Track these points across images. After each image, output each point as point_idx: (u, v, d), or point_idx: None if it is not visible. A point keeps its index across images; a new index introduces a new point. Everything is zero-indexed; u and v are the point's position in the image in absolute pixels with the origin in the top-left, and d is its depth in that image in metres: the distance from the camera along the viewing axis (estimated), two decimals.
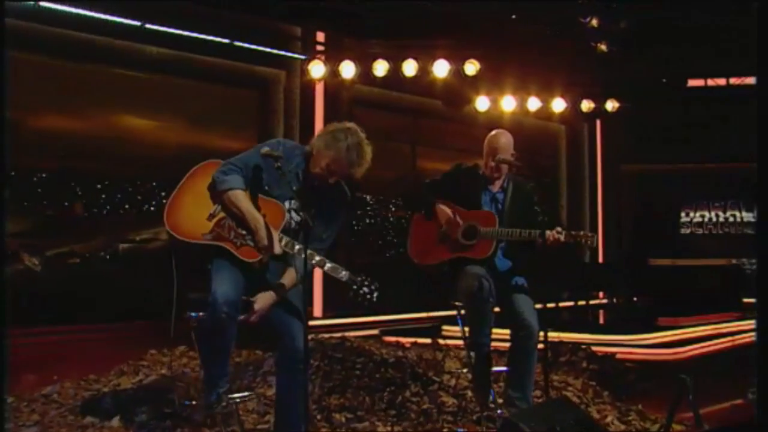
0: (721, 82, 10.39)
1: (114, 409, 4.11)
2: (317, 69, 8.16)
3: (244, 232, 3.30)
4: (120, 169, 7.71)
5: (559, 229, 3.84)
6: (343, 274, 3.18)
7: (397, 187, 10.50)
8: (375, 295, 3.17)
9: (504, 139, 4.08)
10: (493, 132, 4.16)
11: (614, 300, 9.12)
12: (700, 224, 12.59)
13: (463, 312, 4.07)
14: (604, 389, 4.54)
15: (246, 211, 3.28)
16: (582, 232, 3.88)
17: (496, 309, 3.94)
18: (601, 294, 10.76)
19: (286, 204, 3.36)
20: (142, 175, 7.82)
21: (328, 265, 3.20)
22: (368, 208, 10.23)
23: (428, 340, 6.22)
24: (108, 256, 7.63)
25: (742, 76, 10.17)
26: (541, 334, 3.73)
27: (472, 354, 4.00)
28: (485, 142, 4.13)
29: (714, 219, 12.52)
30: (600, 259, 12.34)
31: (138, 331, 6.99)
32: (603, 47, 8.74)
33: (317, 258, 3.21)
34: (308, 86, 8.63)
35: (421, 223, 4.17)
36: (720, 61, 9.87)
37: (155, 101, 7.93)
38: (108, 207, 7.66)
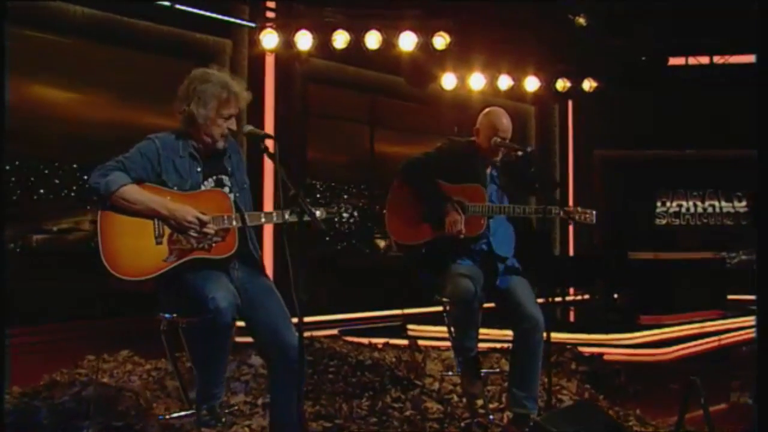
0: (704, 60, 10.73)
1: (52, 425, 4.04)
2: (270, 39, 8.11)
3: (200, 235, 3.30)
4: (34, 149, 7.54)
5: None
6: (320, 212, 3.39)
7: (351, 172, 10.58)
8: (356, 212, 3.36)
9: (506, 121, 4.18)
10: (491, 109, 4.24)
11: (595, 296, 9.37)
12: (677, 214, 12.99)
13: (449, 308, 4.19)
14: (599, 392, 4.71)
15: (149, 200, 3.26)
16: (579, 209, 4.01)
17: (491, 305, 4.06)
18: (571, 290, 11.02)
19: (208, 184, 3.41)
20: (60, 155, 7.66)
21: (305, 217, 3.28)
22: (318, 195, 10.26)
23: (405, 341, 6.34)
24: (19, 249, 7.45)
25: (726, 54, 10.52)
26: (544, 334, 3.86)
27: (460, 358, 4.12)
28: (483, 118, 4.21)
29: (692, 209, 12.94)
30: (570, 252, 12.64)
31: (65, 334, 6.88)
32: (581, 20, 8.93)
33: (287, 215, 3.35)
34: (257, 59, 8.59)
35: (402, 195, 4.21)
36: (703, 38, 10.19)
37: (79, 71, 7.76)
38: (19, 192, 7.49)
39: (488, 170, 4.25)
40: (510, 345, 5.57)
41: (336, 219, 3.52)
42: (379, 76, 9.85)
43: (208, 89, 3.37)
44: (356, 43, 8.22)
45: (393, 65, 9.13)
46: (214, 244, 3.31)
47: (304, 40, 8.14)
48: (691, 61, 10.85)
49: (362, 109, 10.35)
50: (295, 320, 3.34)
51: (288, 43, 8.20)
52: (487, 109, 4.24)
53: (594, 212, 4.04)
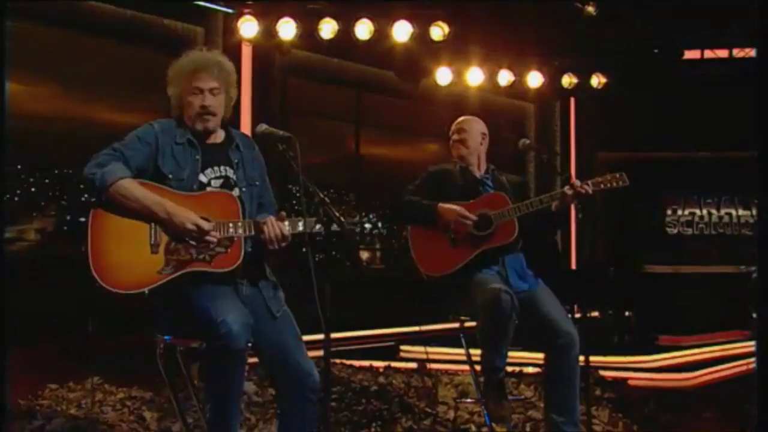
0: (722, 53, 10.86)
1: None
2: (249, 27, 8.11)
3: (202, 244, 3.30)
4: None
5: (578, 182, 4.09)
6: (341, 221, 3.31)
7: (333, 175, 10.57)
8: (379, 224, 3.41)
9: (470, 124, 4.61)
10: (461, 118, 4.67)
11: (606, 313, 9.45)
12: (689, 223, 13.12)
13: (466, 325, 4.28)
14: (632, 422, 4.78)
15: (146, 198, 3.26)
16: (609, 175, 4.12)
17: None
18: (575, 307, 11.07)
19: (209, 174, 3.43)
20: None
21: (317, 227, 3.34)
22: (294, 201, 10.23)
23: (402, 364, 6.37)
24: None
25: (746, 47, 10.64)
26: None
27: (481, 380, 4.17)
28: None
29: (706, 218, 13.08)
30: (572, 265, 12.72)
31: (17, 360, 6.78)
32: (590, 9, 9.03)
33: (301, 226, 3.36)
34: (233, 48, 8.56)
35: (422, 235, 4.38)
36: (721, 30, 10.33)
37: (24, 59, 7.60)
38: None
39: (478, 175, 4.53)
40: (520, 368, 5.72)
41: (358, 229, 3.55)
42: (365, 69, 9.87)
43: (175, 67, 3.46)
44: (345, 33, 8.24)
45: (382, 58, 9.17)
46: (216, 256, 3.31)
47: (286, 29, 8.15)
48: (708, 54, 10.99)
49: (347, 105, 10.31)
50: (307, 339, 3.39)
51: (268, 32, 8.20)
52: None
53: (623, 174, 4.14)
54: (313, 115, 9.90)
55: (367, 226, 3.50)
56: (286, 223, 3.39)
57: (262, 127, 3.46)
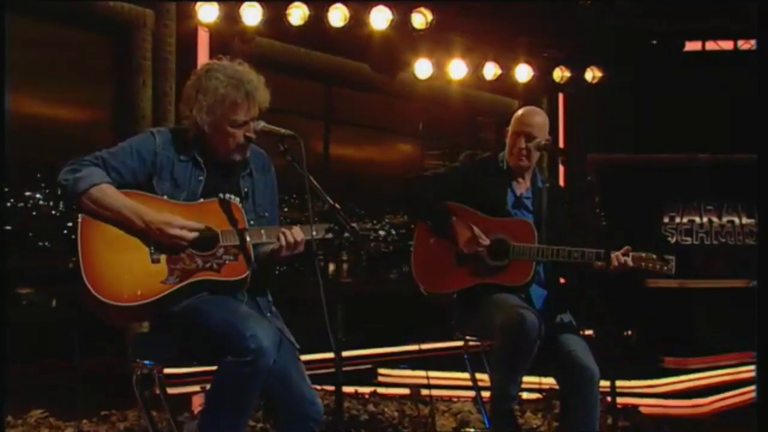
0: (727, 45, 10.97)
1: None
2: (208, 11, 8.03)
3: (210, 252, 3.29)
4: None
5: (625, 249, 4.03)
6: (353, 228, 3.36)
7: (300, 178, 10.48)
8: (393, 232, 3.38)
9: (540, 119, 4.31)
10: (524, 109, 4.44)
11: (603, 332, 9.50)
12: (688, 232, 13.22)
13: (472, 344, 4.27)
14: None
15: (123, 206, 3.23)
16: (654, 255, 4.07)
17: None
18: None
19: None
20: None
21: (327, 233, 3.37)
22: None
23: (377, 389, 6.37)
24: None
25: (751, 38, 10.75)
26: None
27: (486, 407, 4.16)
28: (513, 119, 4.41)
29: (706, 226, 13.19)
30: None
31: None
32: None
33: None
34: (187, 35, 8.46)
35: (429, 236, 4.33)
36: (725, 20, 10.44)
37: None
38: None
39: (520, 191, 4.33)
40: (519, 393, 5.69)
41: (372, 237, 3.54)
42: (336, 60, 9.79)
43: (212, 91, 3.36)
44: (316, 19, 8.21)
45: (355, 48, 9.14)
46: (224, 264, 3.28)
47: (251, 14, 8.09)
48: (710, 45, 11.08)
49: (315, 100, 10.25)
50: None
51: (230, 17, 8.14)
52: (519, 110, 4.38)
53: (673, 258, 4.07)
54: (277, 111, 9.70)
55: (381, 233, 3.44)
56: (298, 227, 3.36)
57: (260, 124, 3.43)
